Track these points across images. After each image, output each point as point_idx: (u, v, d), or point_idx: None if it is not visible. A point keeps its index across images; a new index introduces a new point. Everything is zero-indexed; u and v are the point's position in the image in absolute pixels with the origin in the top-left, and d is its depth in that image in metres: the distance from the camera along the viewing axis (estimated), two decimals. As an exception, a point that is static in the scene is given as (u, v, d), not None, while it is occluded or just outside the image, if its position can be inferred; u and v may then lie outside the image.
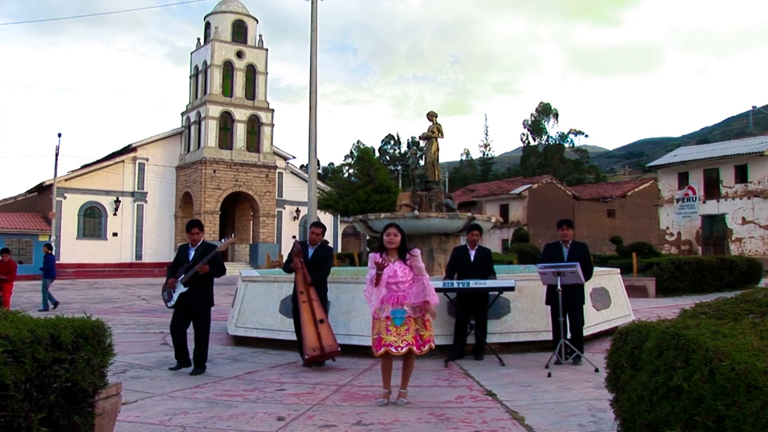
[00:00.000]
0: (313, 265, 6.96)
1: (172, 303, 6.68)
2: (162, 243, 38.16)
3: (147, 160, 39.00)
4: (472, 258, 7.42)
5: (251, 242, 39.94)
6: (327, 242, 7.46)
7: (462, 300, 7.17)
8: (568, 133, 77.02)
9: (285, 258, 7.41)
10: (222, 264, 6.84)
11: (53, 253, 16.25)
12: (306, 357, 6.61)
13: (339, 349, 6.67)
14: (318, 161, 28.14)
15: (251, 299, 8.52)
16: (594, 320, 8.25)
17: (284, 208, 42.25)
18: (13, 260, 13.98)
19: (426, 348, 5.11)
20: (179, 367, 6.66)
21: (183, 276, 6.61)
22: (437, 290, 6.88)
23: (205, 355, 6.72)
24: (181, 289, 6.60)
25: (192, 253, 6.74)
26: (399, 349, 4.98)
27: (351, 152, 75.73)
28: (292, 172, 43.61)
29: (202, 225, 7.03)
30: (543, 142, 76.62)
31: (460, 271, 7.35)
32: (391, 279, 5.14)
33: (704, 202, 33.99)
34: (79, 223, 37.01)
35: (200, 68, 39.59)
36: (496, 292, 7.26)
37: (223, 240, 6.98)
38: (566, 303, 6.87)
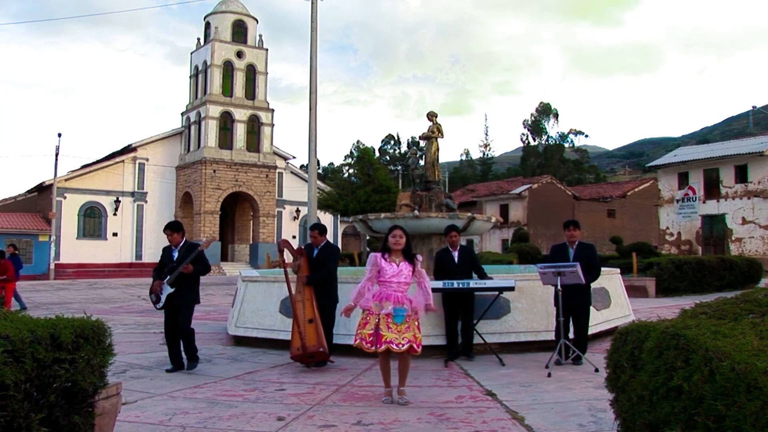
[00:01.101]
0: (315, 265, 6.97)
1: (161, 305, 6.73)
2: (162, 243, 37.47)
3: (147, 160, 39.02)
4: (455, 259, 7.42)
5: (251, 242, 39.96)
6: (330, 243, 7.43)
7: (449, 300, 7.17)
8: (568, 133, 77.07)
9: (280, 258, 7.42)
10: (206, 263, 6.91)
11: (19, 253, 16.07)
12: (290, 356, 6.66)
13: (322, 349, 6.57)
14: (318, 161, 28.16)
15: (251, 299, 8.52)
16: (594, 320, 8.24)
17: (284, 208, 42.25)
18: (10, 261, 14.05)
19: (419, 348, 5.16)
20: (174, 370, 6.66)
21: (168, 277, 6.64)
22: (437, 290, 6.92)
23: (194, 347, 6.73)
24: (168, 290, 6.64)
25: (176, 254, 6.79)
26: (400, 346, 5.02)
27: (351, 152, 75.72)
28: (292, 172, 43.62)
29: (176, 226, 7.02)
30: (543, 142, 76.62)
31: (446, 274, 7.32)
32: (394, 278, 5.20)
33: (704, 202, 34.00)
34: (79, 223, 37.02)
35: (200, 68, 39.60)
36: (496, 293, 7.26)
37: (204, 239, 7.02)
38: (573, 304, 6.87)
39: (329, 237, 41.59)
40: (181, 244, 6.87)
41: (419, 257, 5.39)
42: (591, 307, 7.54)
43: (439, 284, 6.96)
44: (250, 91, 39.67)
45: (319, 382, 6.04)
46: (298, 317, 6.65)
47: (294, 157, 44.37)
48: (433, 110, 11.58)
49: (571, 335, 7.08)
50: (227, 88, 38.74)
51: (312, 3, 20.35)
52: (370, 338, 5.07)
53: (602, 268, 8.64)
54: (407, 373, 5.32)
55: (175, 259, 6.76)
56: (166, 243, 7.10)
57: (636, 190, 48.67)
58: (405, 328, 5.05)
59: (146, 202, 38.96)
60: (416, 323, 5.17)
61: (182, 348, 6.72)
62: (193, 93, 40.34)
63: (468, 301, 7.22)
